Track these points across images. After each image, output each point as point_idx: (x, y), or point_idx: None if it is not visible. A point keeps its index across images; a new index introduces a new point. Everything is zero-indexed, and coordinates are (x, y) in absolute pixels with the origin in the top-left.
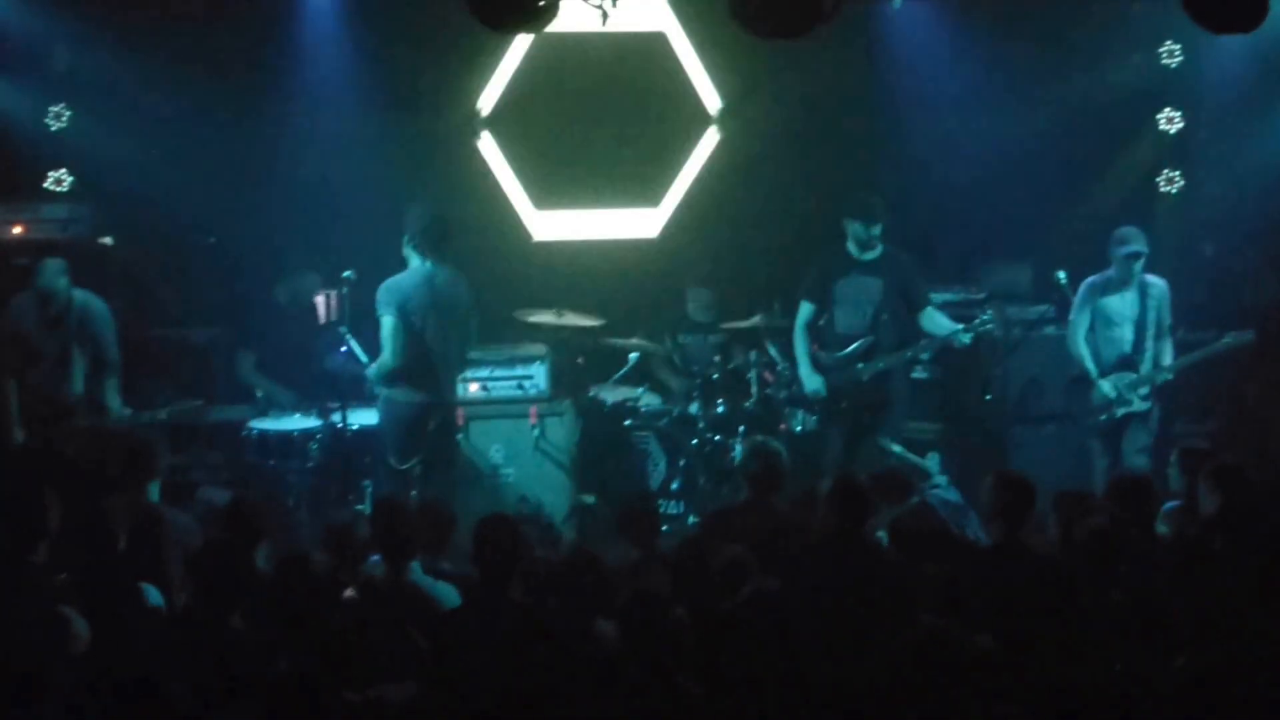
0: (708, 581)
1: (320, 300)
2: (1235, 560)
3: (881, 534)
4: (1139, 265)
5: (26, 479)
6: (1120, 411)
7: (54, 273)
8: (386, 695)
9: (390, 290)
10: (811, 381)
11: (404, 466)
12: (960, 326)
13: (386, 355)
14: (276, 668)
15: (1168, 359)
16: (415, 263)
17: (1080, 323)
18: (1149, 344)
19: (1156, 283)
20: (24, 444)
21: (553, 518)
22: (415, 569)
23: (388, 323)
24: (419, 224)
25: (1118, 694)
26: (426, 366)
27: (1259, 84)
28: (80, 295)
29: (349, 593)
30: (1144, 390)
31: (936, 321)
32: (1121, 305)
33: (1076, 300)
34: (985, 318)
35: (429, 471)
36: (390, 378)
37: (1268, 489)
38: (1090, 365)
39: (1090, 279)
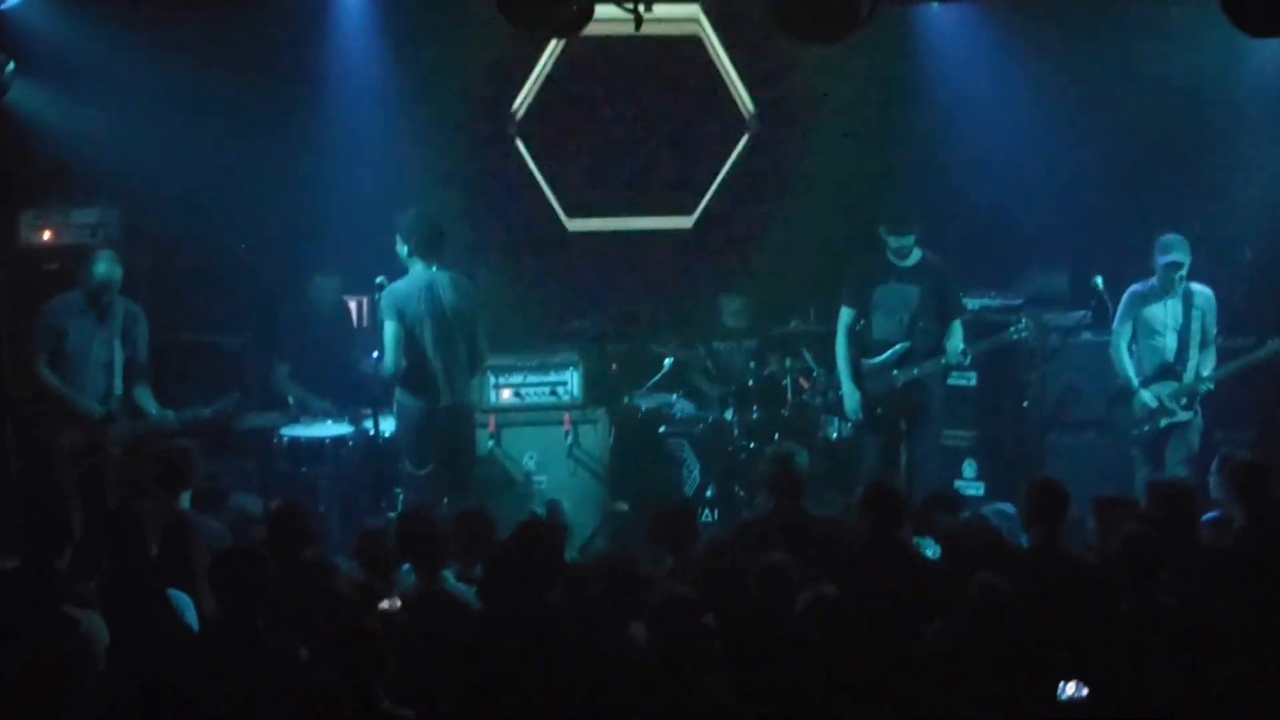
0: (745, 588)
1: (351, 305)
2: (1267, 570)
3: (926, 543)
4: (1180, 274)
5: (51, 483)
6: (1163, 422)
7: (110, 262)
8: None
9: (390, 296)
10: (852, 399)
11: (420, 471)
12: (961, 349)
13: (388, 361)
14: (308, 679)
15: (1209, 368)
16: (417, 268)
17: (1123, 332)
18: (1192, 353)
19: (1202, 291)
20: (64, 447)
21: (569, 524)
22: (448, 578)
23: (389, 329)
24: (411, 229)
25: (1153, 701)
26: (429, 371)
27: None
28: (121, 298)
29: (384, 604)
30: (1185, 400)
31: (953, 338)
32: (1164, 314)
33: (1120, 309)
34: (960, 355)
35: (449, 477)
36: (398, 382)
37: None
38: (1132, 375)
39: (1134, 287)
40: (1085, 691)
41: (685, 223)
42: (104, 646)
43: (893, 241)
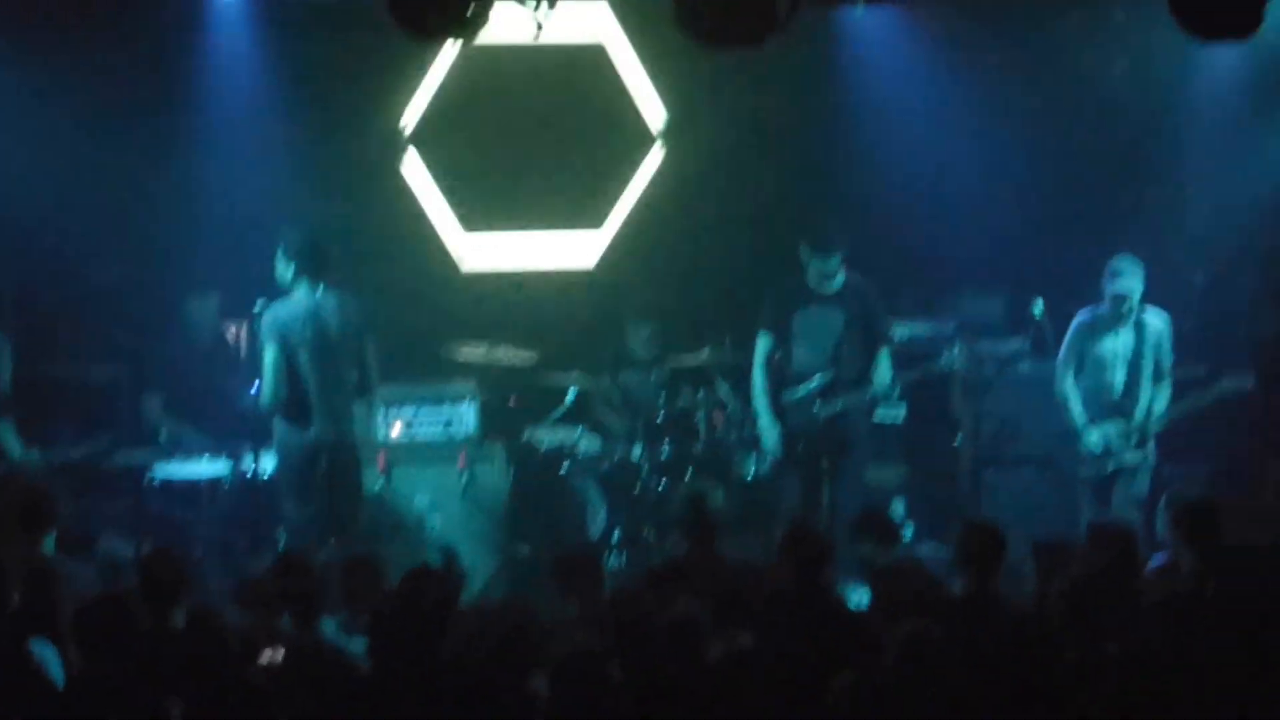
0: (652, 639)
1: (230, 332)
2: (1218, 619)
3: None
4: (1128, 306)
5: None
6: (1110, 466)
7: None
8: None
9: (271, 320)
10: (770, 436)
11: (303, 512)
12: (890, 380)
13: (266, 391)
14: None
15: (1162, 405)
16: (300, 290)
17: (1068, 364)
18: (1144, 387)
19: (1155, 321)
20: None
21: (465, 572)
22: (327, 628)
23: (269, 355)
24: (295, 247)
25: None
26: (312, 402)
27: (1254, 96)
28: None
29: (266, 655)
30: (1135, 439)
31: (880, 369)
32: (1114, 345)
33: (1066, 341)
34: (888, 386)
35: (334, 519)
36: (278, 414)
37: (1257, 539)
38: (1078, 412)
39: (1080, 316)
40: None
41: (588, 260)
42: None
43: (816, 264)
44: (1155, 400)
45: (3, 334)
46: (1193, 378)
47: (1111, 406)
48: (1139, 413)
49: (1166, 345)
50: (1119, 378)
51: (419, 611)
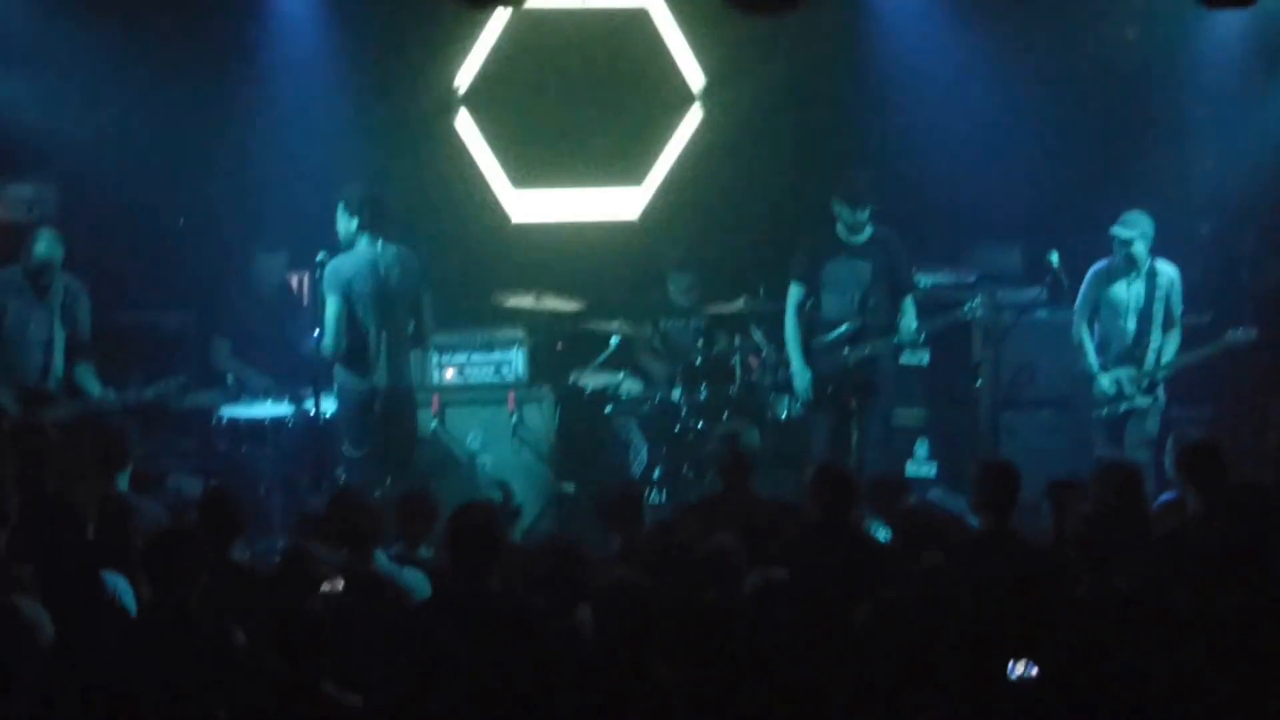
0: (690, 570)
1: (294, 282)
2: (1220, 554)
3: (877, 525)
4: (1129, 252)
5: None
6: (1123, 407)
7: (52, 240)
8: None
9: (333, 272)
10: (802, 378)
11: (360, 453)
12: (915, 328)
13: (328, 340)
14: (248, 663)
15: (1171, 352)
16: (361, 243)
17: (1084, 313)
18: (1154, 335)
19: (1166, 270)
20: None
21: (520, 509)
22: (379, 558)
23: (330, 306)
24: (356, 202)
25: (1105, 683)
26: (370, 350)
27: (1257, 59)
28: (62, 273)
29: (326, 585)
30: (1145, 384)
31: (905, 316)
32: (1126, 294)
33: (1082, 289)
34: (914, 333)
35: (391, 458)
36: (339, 362)
37: (1259, 479)
38: (1092, 358)
39: (1096, 265)
40: (1035, 670)
41: (632, 212)
42: (48, 634)
43: (847, 215)
44: (1165, 347)
45: (80, 282)
46: (1197, 325)
47: (1124, 352)
48: (1149, 359)
49: (1176, 295)
50: (1131, 325)
51: (470, 542)
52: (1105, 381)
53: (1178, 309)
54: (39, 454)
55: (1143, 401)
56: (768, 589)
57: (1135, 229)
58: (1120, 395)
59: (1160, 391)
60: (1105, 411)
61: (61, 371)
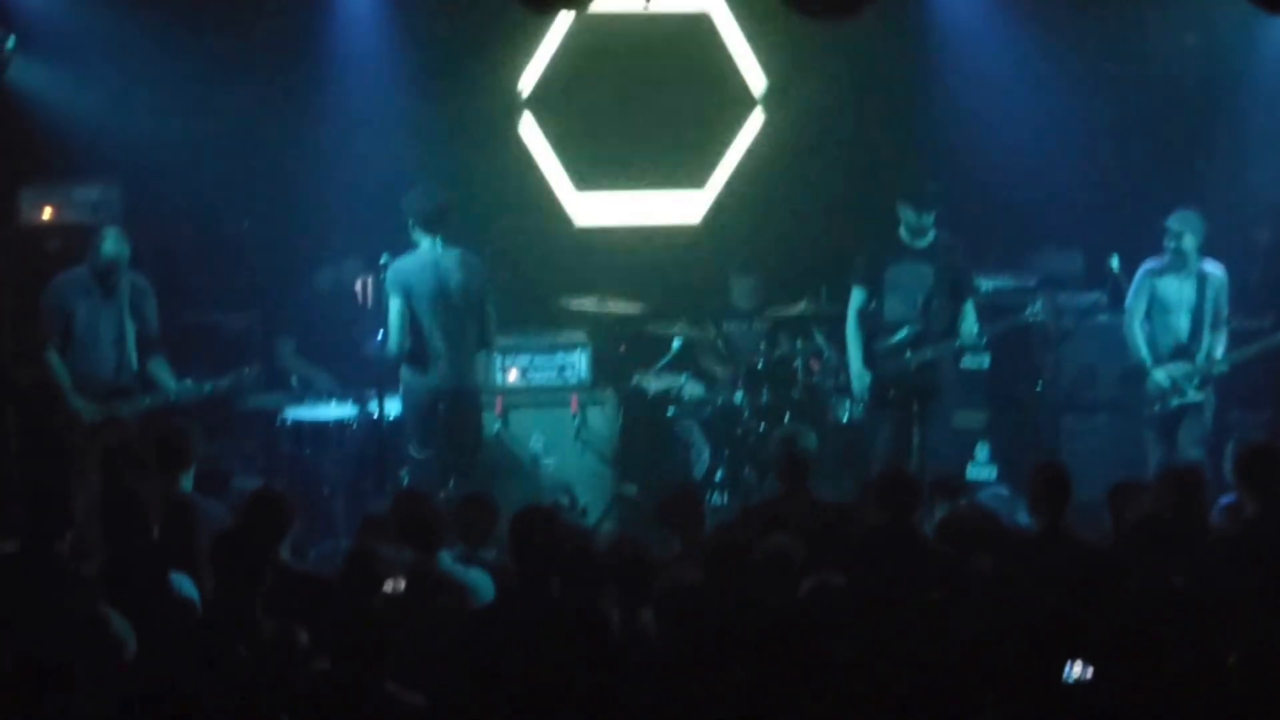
0: (750, 573)
1: (359, 285)
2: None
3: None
4: (1185, 246)
5: (53, 466)
6: (1175, 402)
7: (118, 239)
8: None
9: (396, 273)
10: (861, 380)
11: (423, 454)
12: (977, 331)
13: (392, 340)
14: (310, 663)
15: (1220, 350)
16: (425, 245)
17: (1137, 309)
18: (1205, 334)
19: (1214, 271)
20: (83, 422)
21: (586, 511)
22: (443, 558)
23: (394, 307)
24: (416, 203)
25: (1160, 684)
26: (434, 351)
27: None
28: (128, 271)
29: (388, 585)
30: (1198, 381)
31: (967, 320)
32: (1179, 292)
33: (1134, 284)
34: (976, 337)
35: (454, 460)
36: (403, 362)
37: None
38: (1145, 353)
39: (1147, 263)
40: (1090, 672)
41: (694, 216)
42: (131, 650)
43: (912, 218)
44: (1214, 345)
45: (147, 280)
46: (1257, 329)
47: (1178, 348)
48: (1201, 356)
49: (1224, 295)
50: (1183, 322)
51: (532, 545)
52: (1160, 375)
53: (1225, 310)
54: (119, 449)
55: (1195, 397)
56: (825, 593)
57: (1186, 224)
58: (1174, 389)
59: (1210, 390)
60: (1158, 407)
61: (136, 367)
